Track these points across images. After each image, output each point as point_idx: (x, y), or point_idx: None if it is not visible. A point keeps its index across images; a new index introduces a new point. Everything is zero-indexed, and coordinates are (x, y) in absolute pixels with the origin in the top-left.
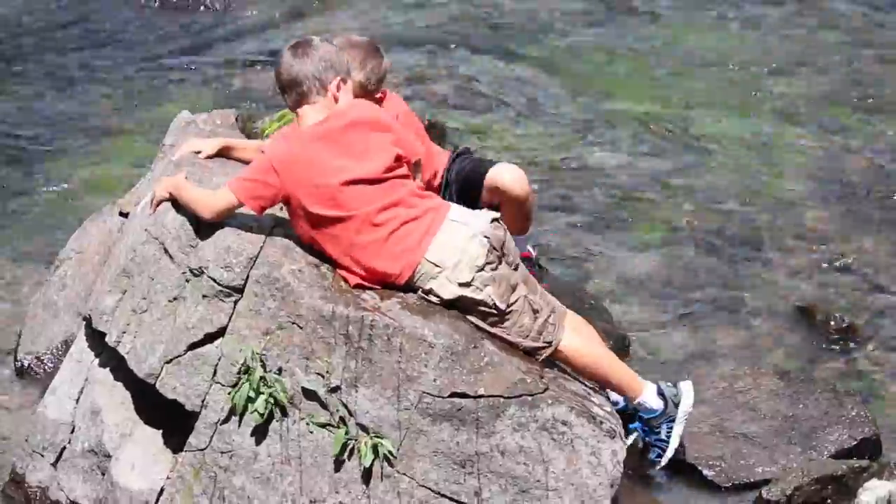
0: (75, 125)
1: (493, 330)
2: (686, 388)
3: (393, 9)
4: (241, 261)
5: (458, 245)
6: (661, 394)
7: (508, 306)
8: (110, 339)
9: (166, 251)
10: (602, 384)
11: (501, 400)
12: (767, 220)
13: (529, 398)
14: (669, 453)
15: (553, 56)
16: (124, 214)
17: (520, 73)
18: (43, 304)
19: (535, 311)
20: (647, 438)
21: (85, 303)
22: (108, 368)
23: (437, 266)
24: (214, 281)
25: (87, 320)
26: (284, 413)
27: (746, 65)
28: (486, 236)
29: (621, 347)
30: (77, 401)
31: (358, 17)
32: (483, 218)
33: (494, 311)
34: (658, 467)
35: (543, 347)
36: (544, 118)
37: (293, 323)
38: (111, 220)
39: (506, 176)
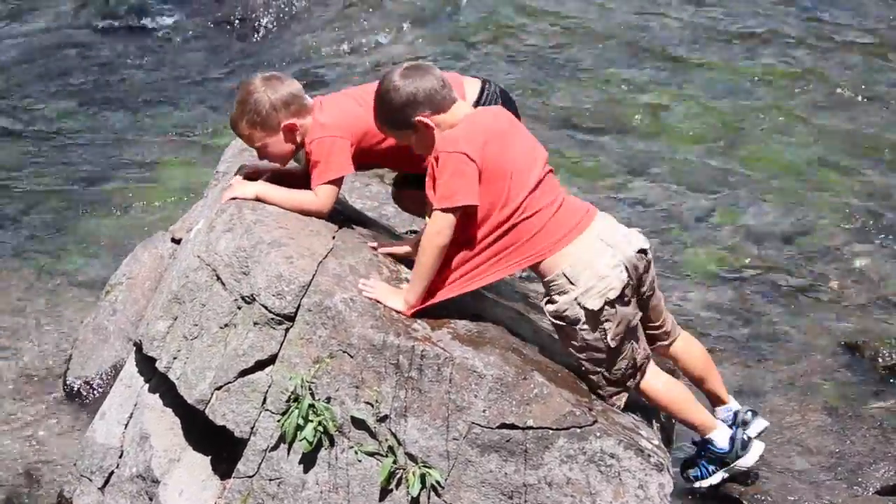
0: (129, 152)
1: (584, 365)
2: (755, 449)
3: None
4: (293, 289)
5: (597, 269)
6: (732, 439)
7: (618, 348)
8: (160, 365)
9: (218, 278)
10: (676, 420)
11: (550, 432)
12: (815, 256)
13: (578, 430)
14: (704, 485)
15: (590, 89)
16: (176, 241)
17: (556, 103)
18: (93, 328)
19: (634, 360)
20: (698, 459)
21: (135, 328)
22: (157, 394)
23: (572, 283)
24: (266, 308)
25: (138, 345)
26: (333, 441)
27: (794, 97)
28: (627, 267)
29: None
30: (126, 426)
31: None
32: (632, 243)
33: (602, 348)
34: (688, 483)
35: (620, 392)
36: (585, 151)
37: (344, 352)
38: (163, 246)
39: None
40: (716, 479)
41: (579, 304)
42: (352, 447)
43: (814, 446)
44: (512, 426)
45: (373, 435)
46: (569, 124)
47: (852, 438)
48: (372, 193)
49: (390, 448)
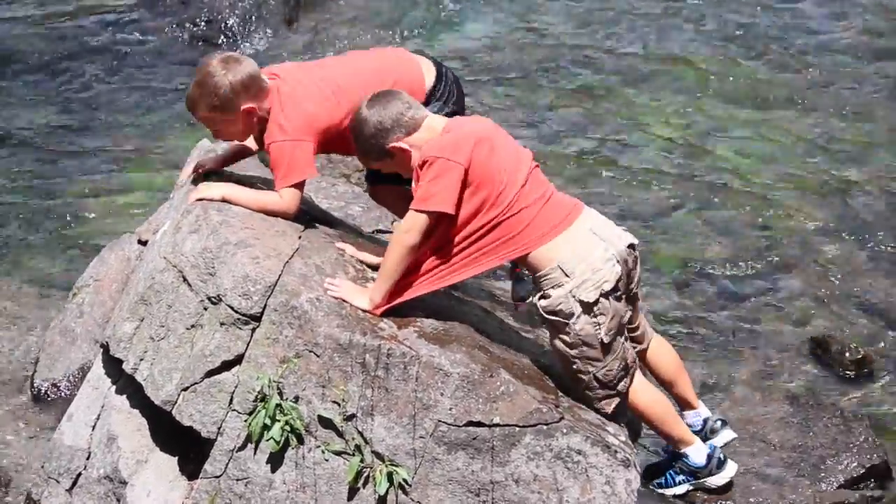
0: (94, 154)
1: (576, 363)
2: (729, 470)
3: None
4: (258, 289)
5: (592, 262)
6: (709, 457)
7: (610, 344)
8: (127, 366)
9: (184, 279)
10: (654, 432)
11: (517, 429)
12: (783, 252)
13: (545, 427)
14: (666, 493)
15: (568, 83)
16: (143, 242)
17: (535, 99)
18: (60, 331)
19: (625, 361)
20: (666, 468)
21: (102, 330)
22: (124, 395)
23: (567, 276)
24: (232, 309)
25: (105, 347)
26: (300, 441)
27: (763, 95)
28: (619, 261)
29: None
30: (93, 427)
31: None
32: (622, 238)
33: (595, 344)
34: (650, 487)
35: (611, 397)
36: (560, 146)
37: (310, 351)
38: (129, 248)
39: None
40: (680, 490)
41: (574, 296)
42: (319, 446)
43: (776, 441)
44: (478, 424)
45: (340, 434)
46: (533, 123)
47: (814, 430)
48: (338, 193)
49: (357, 447)
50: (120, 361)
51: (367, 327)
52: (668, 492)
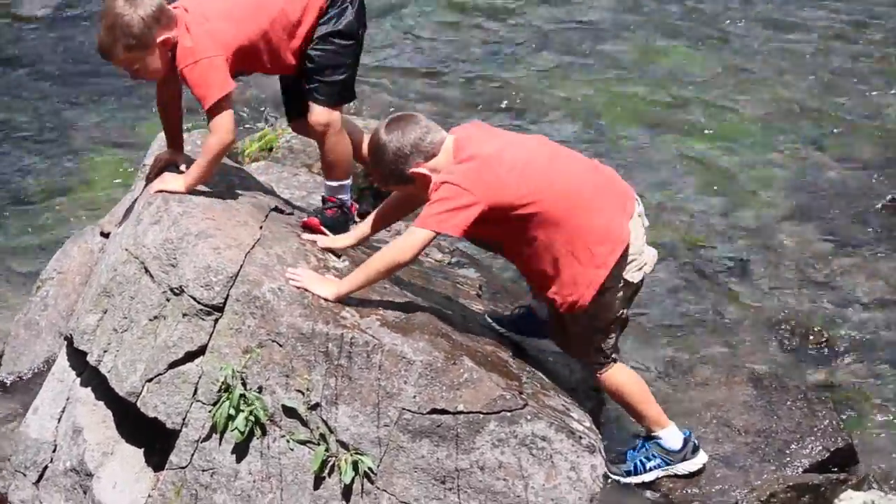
0: (55, 146)
1: (583, 334)
2: (700, 459)
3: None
4: (220, 279)
5: (638, 244)
6: (686, 442)
7: (624, 321)
8: (91, 359)
9: (146, 270)
10: (629, 413)
11: (481, 416)
12: (746, 236)
13: (509, 414)
14: (635, 480)
15: (533, 73)
16: (105, 235)
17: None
18: (25, 323)
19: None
20: (634, 454)
21: (67, 322)
22: (89, 387)
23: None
24: (194, 300)
25: (69, 340)
26: (265, 431)
27: (719, 81)
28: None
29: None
30: (59, 420)
31: None
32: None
33: (611, 318)
34: (616, 478)
35: (606, 364)
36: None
37: (273, 341)
38: (92, 240)
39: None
40: (650, 476)
41: (621, 276)
42: (283, 436)
43: (740, 425)
44: (442, 411)
45: (304, 423)
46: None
47: (778, 413)
48: (300, 183)
49: (322, 436)
50: (84, 354)
51: (329, 316)
52: (637, 479)
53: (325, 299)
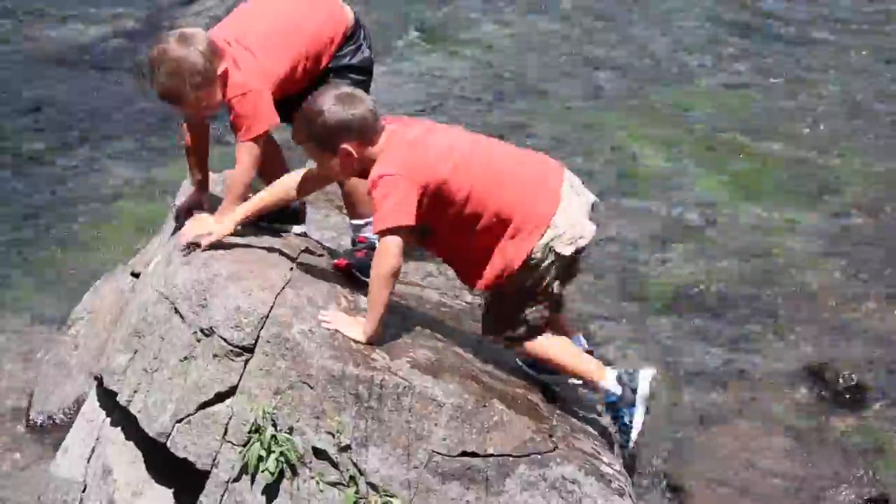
0: (87, 185)
1: (514, 303)
2: (644, 375)
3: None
4: (251, 321)
5: (570, 215)
6: (619, 379)
7: (555, 295)
8: (122, 399)
9: (177, 311)
10: (564, 373)
11: (511, 459)
12: (775, 281)
13: (539, 457)
14: (633, 436)
15: (557, 110)
16: (136, 275)
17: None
18: (55, 363)
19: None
20: (617, 423)
21: (97, 362)
22: (119, 427)
23: (549, 227)
24: (225, 341)
25: (99, 380)
26: (295, 472)
27: (746, 123)
28: (591, 219)
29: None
30: (88, 460)
31: None
32: (589, 196)
33: (543, 291)
34: (627, 451)
35: (522, 339)
36: None
37: (303, 382)
38: (123, 280)
39: None
40: (636, 424)
41: (551, 248)
42: (314, 477)
43: (777, 470)
44: (472, 454)
45: (334, 465)
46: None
47: (814, 461)
48: (331, 224)
49: (352, 478)
50: (114, 393)
51: (359, 358)
52: (634, 435)
53: (356, 341)
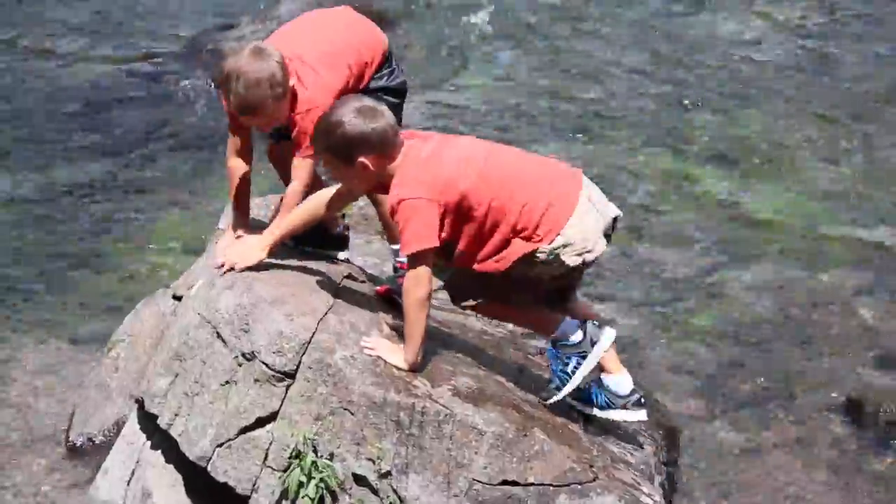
0: (129, 207)
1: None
2: (608, 333)
3: None
4: (293, 346)
5: (584, 227)
6: (582, 329)
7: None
8: (162, 422)
9: (219, 335)
10: (519, 325)
11: (551, 488)
12: (816, 311)
13: (579, 487)
14: (568, 389)
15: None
16: (178, 298)
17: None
18: (96, 385)
19: None
20: (554, 368)
21: (137, 385)
22: (159, 451)
23: (559, 234)
24: (267, 366)
25: (140, 402)
26: (335, 498)
27: (796, 149)
28: (606, 234)
29: (672, 439)
30: (128, 482)
31: None
32: (610, 210)
33: (538, 289)
34: (549, 401)
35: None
36: None
37: (345, 409)
38: (164, 303)
39: None
40: (577, 377)
41: (556, 253)
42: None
43: None
44: (513, 483)
45: (374, 491)
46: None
47: (855, 496)
48: (373, 250)
49: None
50: (155, 417)
51: (401, 385)
52: (570, 387)
53: (398, 368)
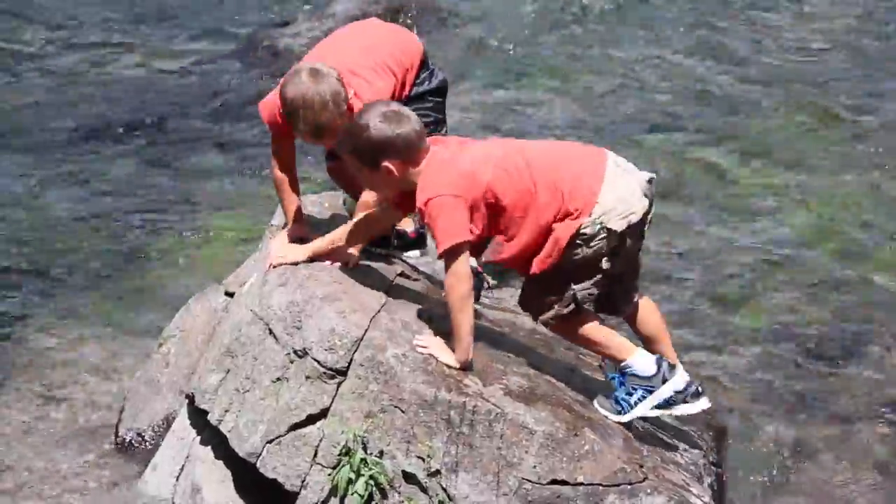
0: (182, 204)
1: (565, 282)
2: (680, 375)
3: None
4: (345, 343)
5: (620, 192)
6: (658, 363)
7: (606, 271)
8: (212, 418)
9: (271, 332)
10: (593, 351)
11: (601, 488)
12: (864, 312)
13: (629, 487)
14: (624, 419)
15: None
16: (230, 294)
17: None
18: (146, 380)
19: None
20: (616, 393)
21: (188, 381)
22: (209, 446)
23: (597, 203)
24: (318, 363)
25: (190, 398)
26: (384, 496)
27: (854, 156)
28: (645, 195)
29: (720, 440)
30: (177, 478)
31: None
32: (643, 172)
33: (593, 268)
34: (608, 415)
35: (567, 317)
36: None
37: (395, 406)
38: (216, 299)
39: None
40: (637, 411)
41: (601, 223)
42: (403, 502)
43: None
44: (562, 482)
45: (424, 490)
46: None
47: None
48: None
49: (441, 503)
50: (205, 412)
51: (452, 384)
52: (628, 417)
53: (449, 366)
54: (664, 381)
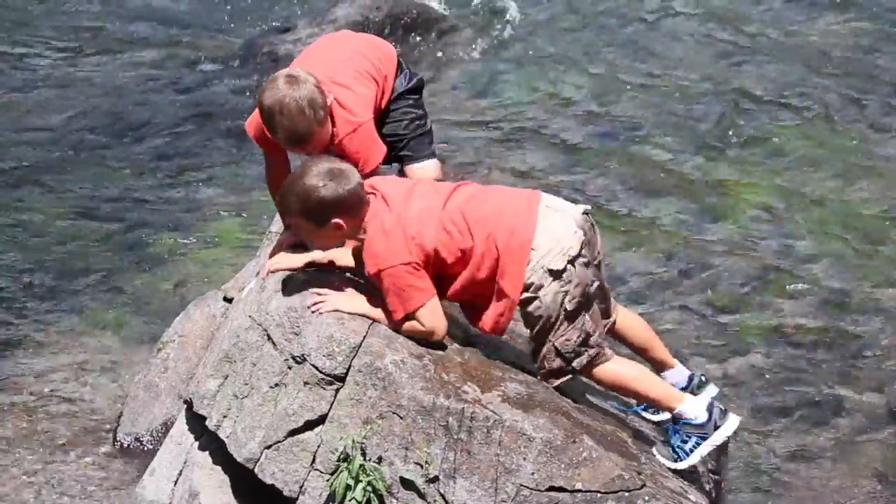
0: (181, 210)
1: (539, 331)
2: (732, 420)
3: None
4: (343, 350)
5: (553, 232)
6: (709, 409)
7: (574, 312)
8: (211, 423)
9: (269, 338)
10: (638, 400)
11: (599, 495)
12: (865, 319)
13: (626, 494)
14: (682, 466)
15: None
16: (228, 300)
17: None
18: (144, 385)
19: (586, 333)
20: (672, 441)
21: (186, 386)
22: (207, 452)
23: (532, 248)
24: (317, 369)
25: (188, 403)
26: (382, 502)
27: (855, 160)
28: (580, 226)
29: (720, 447)
30: (175, 483)
31: None
32: (577, 207)
33: (558, 314)
34: (667, 463)
35: (566, 372)
36: (650, 213)
37: (394, 413)
38: (215, 305)
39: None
40: (694, 457)
41: (543, 267)
42: None
43: None
44: (560, 489)
45: (422, 496)
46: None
47: None
48: None
49: None
50: (203, 418)
51: (450, 390)
52: (686, 464)
53: (359, 313)
54: (717, 427)
